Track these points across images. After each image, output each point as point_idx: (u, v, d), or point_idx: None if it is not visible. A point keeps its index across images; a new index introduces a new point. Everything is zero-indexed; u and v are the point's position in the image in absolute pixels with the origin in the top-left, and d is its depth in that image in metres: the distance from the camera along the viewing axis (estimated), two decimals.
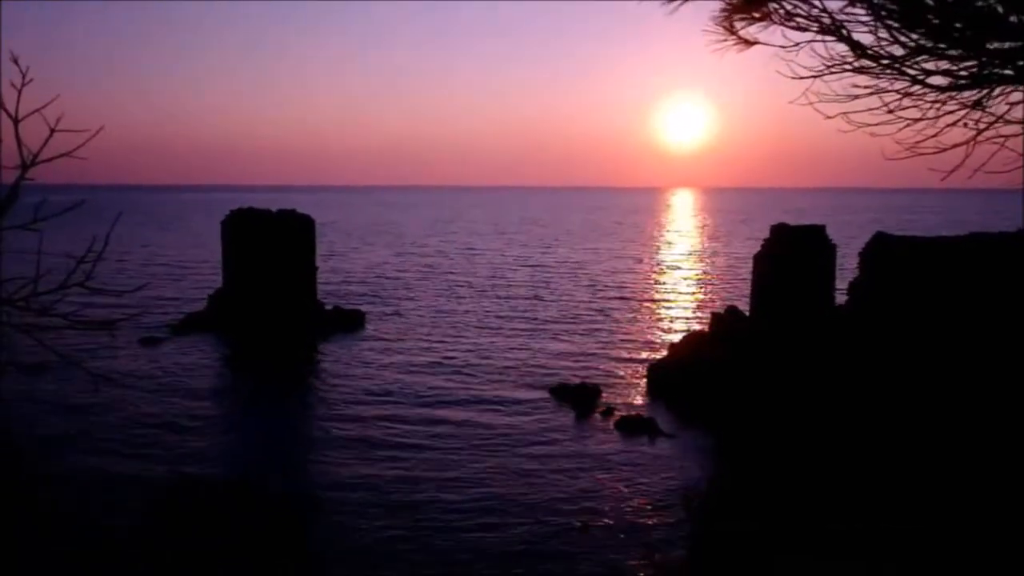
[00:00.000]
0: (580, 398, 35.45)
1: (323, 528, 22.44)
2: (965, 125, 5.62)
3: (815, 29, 4.82)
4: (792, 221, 37.71)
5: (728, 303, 43.49)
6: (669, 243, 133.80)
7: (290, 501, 23.81)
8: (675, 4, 5.57)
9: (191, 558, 20.20)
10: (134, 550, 20.53)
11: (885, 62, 4.65)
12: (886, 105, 4.81)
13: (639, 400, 36.38)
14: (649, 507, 24.41)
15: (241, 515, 22.60)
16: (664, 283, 79.41)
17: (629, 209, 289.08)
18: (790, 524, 21.62)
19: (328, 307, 53.77)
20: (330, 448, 29.26)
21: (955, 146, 4.84)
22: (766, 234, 36.88)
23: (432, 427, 31.74)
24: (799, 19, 4.87)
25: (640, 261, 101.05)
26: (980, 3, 4.38)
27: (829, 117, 4.68)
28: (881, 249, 32.71)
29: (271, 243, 50.45)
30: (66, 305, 5.27)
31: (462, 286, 73.14)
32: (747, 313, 37.20)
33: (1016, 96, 4.73)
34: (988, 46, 4.35)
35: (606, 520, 23.31)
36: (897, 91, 4.84)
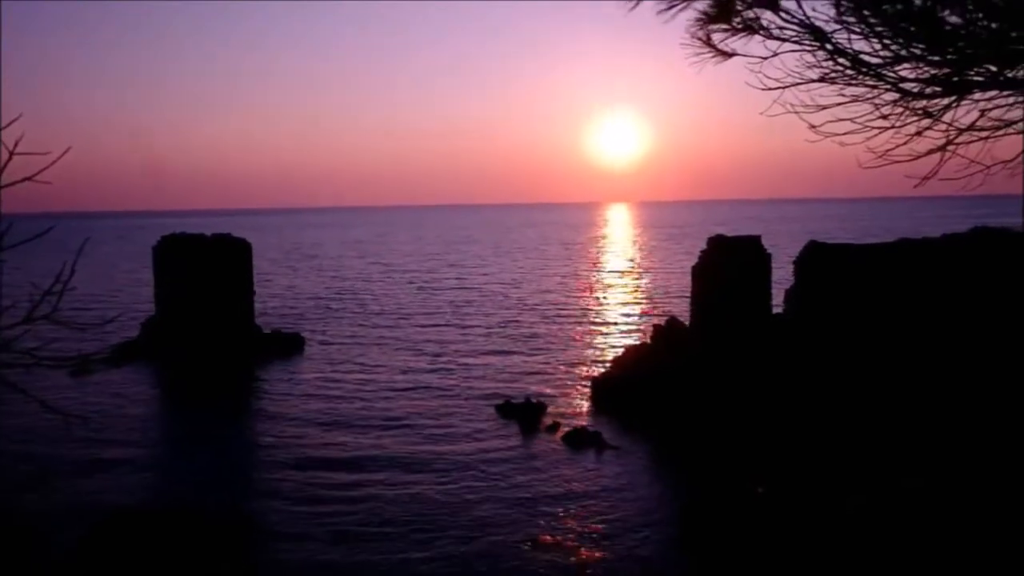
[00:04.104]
0: (525, 415, 35.39)
1: (264, 560, 21.89)
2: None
3: (794, 39, 4.90)
4: (729, 232, 38.42)
5: (668, 314, 43.98)
6: (606, 257, 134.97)
7: (230, 531, 23.22)
8: (633, 3, 5.58)
9: None
10: None
11: (864, 69, 4.74)
12: (878, 110, 4.90)
13: (584, 414, 36.47)
14: (599, 518, 24.44)
15: (180, 547, 21.97)
16: (603, 297, 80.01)
17: (564, 224, 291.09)
18: (753, 529, 21.85)
19: (266, 331, 52.92)
20: (272, 475, 28.56)
21: (929, 152, 4.97)
22: (703, 245, 37.48)
23: (376, 450, 31.27)
24: (776, 28, 4.95)
25: (577, 276, 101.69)
26: (956, 11, 4.52)
27: (813, 126, 4.75)
28: (814, 257, 33.52)
29: (206, 268, 49.46)
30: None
31: (395, 308, 72.46)
32: (687, 324, 37.68)
33: (987, 103, 4.89)
34: (966, 52, 4.47)
35: (558, 534, 23.25)
36: (873, 100, 4.95)
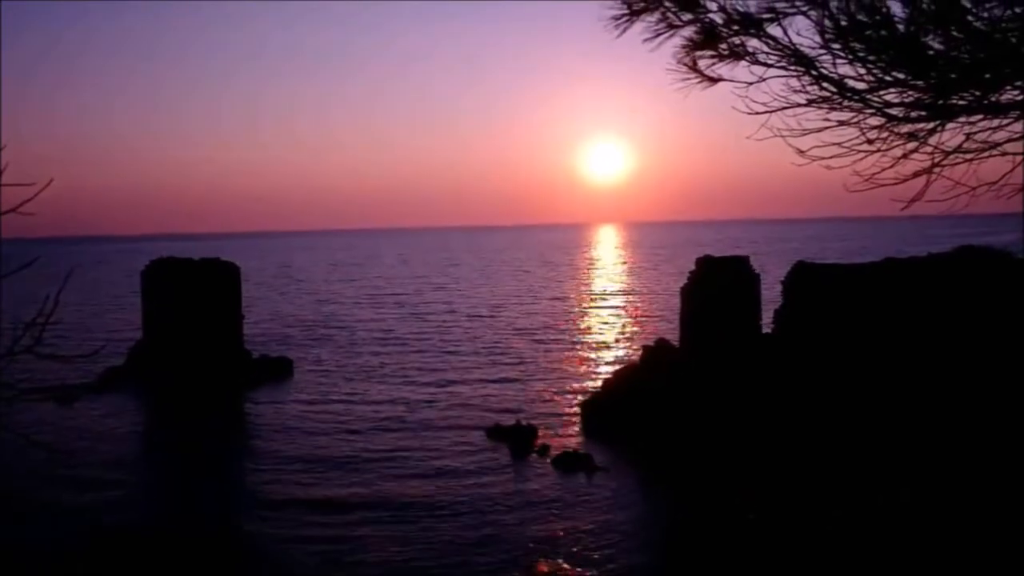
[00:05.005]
0: (516, 438, 35.22)
1: None
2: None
3: (780, 64, 4.96)
4: (717, 252, 38.59)
5: (657, 336, 44.00)
6: (595, 279, 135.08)
7: (218, 563, 22.98)
8: (622, 27, 5.62)
9: None
10: None
11: (849, 94, 4.80)
12: (863, 134, 4.94)
13: (574, 436, 36.37)
14: (592, 543, 24.29)
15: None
16: (592, 319, 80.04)
17: (552, 245, 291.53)
18: (743, 552, 21.80)
19: (255, 355, 52.64)
20: (258, 512, 27.63)
21: (915, 175, 5.03)
22: (691, 266, 37.63)
23: (365, 477, 30.69)
24: (762, 54, 5.01)
25: (566, 298, 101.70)
26: (939, 38, 4.58)
27: (800, 151, 4.80)
28: (802, 276, 33.69)
29: (195, 292, 49.21)
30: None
31: (383, 332, 72.10)
32: (677, 345, 37.72)
33: (972, 126, 4.95)
34: (949, 77, 4.54)
35: (553, 562, 23.10)
36: (858, 124, 5.01)
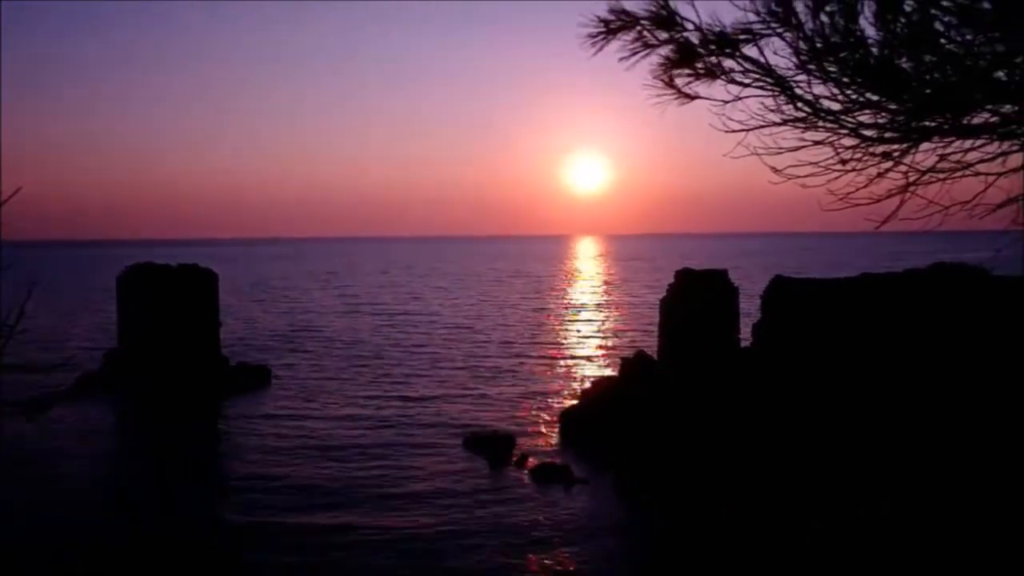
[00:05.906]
0: (493, 448, 35.14)
1: None
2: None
3: (756, 84, 5.01)
4: (695, 265, 38.74)
5: (637, 348, 44.12)
6: (574, 290, 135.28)
7: None
8: (599, 45, 5.66)
9: None
10: None
11: (824, 114, 4.86)
12: (837, 154, 5.00)
13: (553, 447, 36.33)
14: (570, 558, 24.23)
15: None
16: (571, 331, 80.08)
17: (533, 257, 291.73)
18: (722, 562, 21.83)
19: (232, 362, 52.31)
20: (239, 533, 26.80)
21: (889, 194, 5.10)
22: (670, 279, 37.76)
23: (342, 500, 29.64)
24: (739, 74, 5.05)
25: (545, 309, 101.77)
26: (913, 61, 4.64)
27: (777, 170, 4.85)
28: (780, 290, 33.86)
29: (172, 298, 48.90)
30: None
31: (361, 342, 71.77)
32: (656, 357, 37.82)
33: (944, 147, 5.03)
34: (921, 99, 4.61)
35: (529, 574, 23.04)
36: (833, 143, 5.07)
